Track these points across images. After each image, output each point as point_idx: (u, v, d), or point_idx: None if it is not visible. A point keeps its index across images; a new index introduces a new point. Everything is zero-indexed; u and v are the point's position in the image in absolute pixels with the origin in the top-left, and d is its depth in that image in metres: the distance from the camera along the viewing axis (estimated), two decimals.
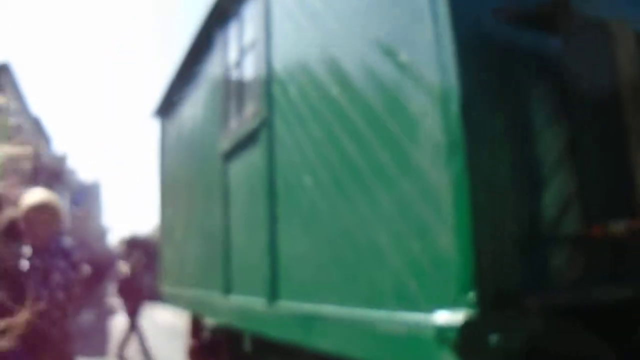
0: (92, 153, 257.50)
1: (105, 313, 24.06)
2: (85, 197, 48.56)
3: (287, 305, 3.67)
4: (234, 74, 5.38)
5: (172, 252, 8.57)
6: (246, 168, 4.82)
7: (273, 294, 3.89)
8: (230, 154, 5.29)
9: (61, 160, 40.81)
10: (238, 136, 4.95)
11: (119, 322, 19.17)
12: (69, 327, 3.88)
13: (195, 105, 7.30)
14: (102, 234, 62.48)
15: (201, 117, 6.97)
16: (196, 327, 8.42)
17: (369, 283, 2.69)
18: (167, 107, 9.16)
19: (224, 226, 5.53)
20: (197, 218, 6.98)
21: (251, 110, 4.66)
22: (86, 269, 5.11)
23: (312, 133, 3.44)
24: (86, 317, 20.84)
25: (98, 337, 16.04)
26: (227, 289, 5.20)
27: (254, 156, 4.54)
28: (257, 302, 4.16)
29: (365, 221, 2.74)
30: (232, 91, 5.40)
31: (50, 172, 38.94)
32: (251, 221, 4.56)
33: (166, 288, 8.93)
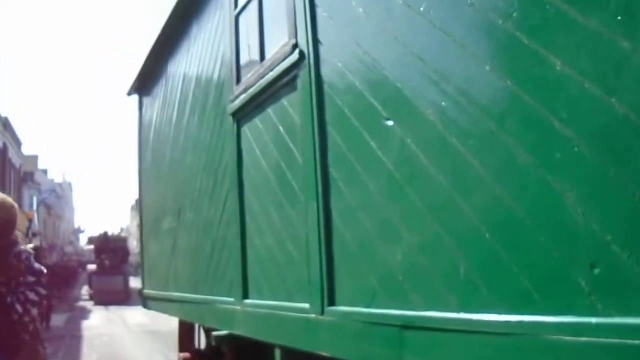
0: (64, 154, 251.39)
1: (78, 315, 23.04)
2: (56, 198, 46.18)
3: (351, 312, 2.75)
4: (247, 14, 4.25)
5: (157, 248, 6.99)
6: (272, 128, 3.71)
7: (325, 299, 2.97)
8: (247, 113, 4.11)
9: (32, 160, 38.74)
10: (261, 85, 3.77)
11: (92, 323, 19.62)
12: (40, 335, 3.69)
13: (188, 66, 5.80)
14: (74, 235, 59.96)
15: (195, 79, 5.52)
16: (188, 337, 6.86)
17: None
18: (148, 80, 7.64)
19: (238, 211, 4.19)
20: (193, 204, 5.51)
21: (283, 50, 3.49)
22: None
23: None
24: (58, 319, 19.72)
25: (72, 340, 15.14)
26: (244, 293, 4.07)
27: (286, 110, 3.48)
28: (296, 309, 3.27)
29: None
30: (247, 32, 4.19)
31: (20, 173, 37.00)
32: (284, 201, 3.53)
33: (149, 292, 7.33)
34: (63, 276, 33.45)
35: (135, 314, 21.15)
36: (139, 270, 33.52)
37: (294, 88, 3.37)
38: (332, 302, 2.93)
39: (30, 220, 34.58)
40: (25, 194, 39.04)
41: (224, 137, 4.57)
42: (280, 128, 3.60)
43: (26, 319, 3.28)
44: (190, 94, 5.65)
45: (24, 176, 38.49)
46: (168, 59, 6.66)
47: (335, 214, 2.92)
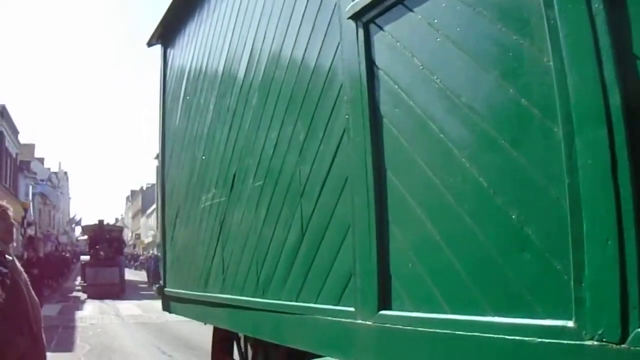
0: (61, 143, 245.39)
1: (72, 306, 21.37)
2: (51, 187, 43.75)
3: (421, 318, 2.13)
4: None
5: (188, 235, 5.04)
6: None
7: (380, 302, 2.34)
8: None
9: (28, 149, 36.48)
10: None
11: (86, 314, 18.33)
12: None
13: None
14: (69, 225, 57.34)
15: None
16: (224, 351, 4.88)
17: None
18: (177, 23, 5.63)
19: (372, 169, 2.51)
20: (265, 164, 3.56)
21: None
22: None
23: None
24: (52, 310, 18.26)
25: (65, 330, 14.03)
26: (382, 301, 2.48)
27: None
28: (341, 314, 2.60)
29: None
30: None
31: (17, 161, 34.87)
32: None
33: (173, 291, 5.35)
34: (57, 266, 31.09)
35: (129, 306, 20.63)
36: (133, 262, 31.18)
37: None
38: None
39: (26, 210, 32.36)
40: (22, 182, 37.02)
41: (335, 55, 2.82)
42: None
43: None
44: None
45: (20, 165, 36.49)
46: None
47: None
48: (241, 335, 4.87)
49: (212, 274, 4.28)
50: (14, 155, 34.78)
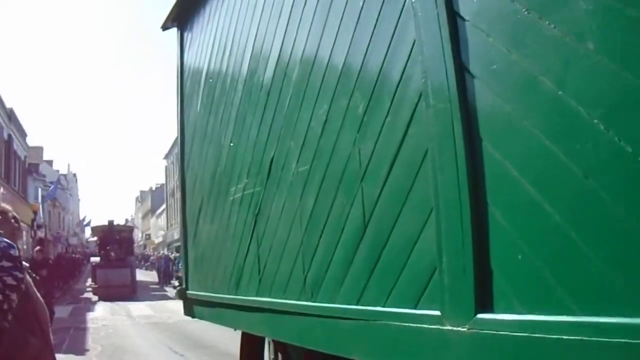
0: (70, 145, 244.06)
1: (83, 307, 21.18)
2: (60, 189, 43.27)
3: None
4: None
5: (214, 231, 4.47)
6: None
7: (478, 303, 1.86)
8: None
9: (37, 151, 36.04)
10: None
11: (97, 315, 18.12)
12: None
13: None
14: (79, 226, 56.85)
15: None
16: (254, 349, 4.38)
17: None
18: (195, 3, 5.03)
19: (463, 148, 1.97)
20: (311, 145, 3.02)
21: None
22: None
23: None
24: (63, 311, 17.84)
25: (76, 331, 13.82)
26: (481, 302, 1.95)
27: None
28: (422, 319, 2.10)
29: None
30: None
31: (26, 164, 34.44)
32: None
33: (197, 294, 4.79)
34: (68, 268, 30.59)
35: (140, 306, 20.50)
36: (143, 262, 30.69)
37: None
38: None
39: (35, 212, 31.88)
40: (30, 185, 36.55)
41: (404, 4, 2.31)
42: None
43: (5, 306, 2.93)
44: None
45: (29, 167, 36.11)
46: None
47: None
48: (269, 339, 4.35)
49: (245, 275, 3.74)
50: (23, 158, 34.28)
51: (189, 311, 4.94)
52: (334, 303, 2.72)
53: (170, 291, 29.80)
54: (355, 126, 2.59)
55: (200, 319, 4.74)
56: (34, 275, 3.57)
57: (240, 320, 3.85)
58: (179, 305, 17.74)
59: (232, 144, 4.00)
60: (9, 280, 2.99)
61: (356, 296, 2.56)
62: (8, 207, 3.47)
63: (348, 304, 2.59)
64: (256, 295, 3.53)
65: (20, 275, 3.06)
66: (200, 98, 4.76)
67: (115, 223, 28.95)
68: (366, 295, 2.50)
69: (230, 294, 3.96)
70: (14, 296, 3.01)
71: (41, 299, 3.40)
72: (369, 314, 2.44)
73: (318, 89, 2.90)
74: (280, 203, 3.27)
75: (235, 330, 4.33)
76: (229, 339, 13.04)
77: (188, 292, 4.91)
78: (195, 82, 4.93)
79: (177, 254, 38.05)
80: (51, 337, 3.43)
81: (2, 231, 3.21)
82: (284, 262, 3.20)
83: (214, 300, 4.27)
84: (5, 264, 3.02)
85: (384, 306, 2.36)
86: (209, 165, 4.50)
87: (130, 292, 24.61)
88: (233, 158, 3.97)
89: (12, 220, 3.39)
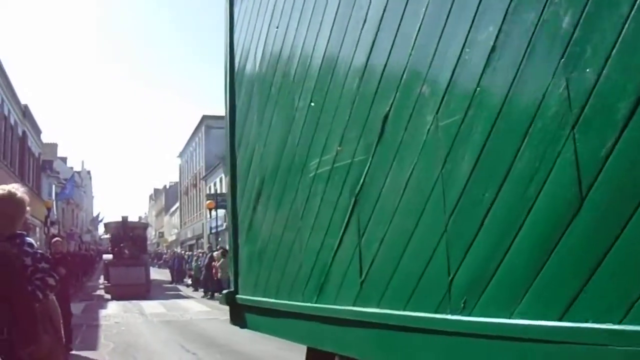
0: (84, 142, 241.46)
1: (95, 304, 20.43)
2: (74, 186, 42.36)
3: None
4: None
5: (272, 227, 3.46)
6: None
7: None
8: None
9: (51, 148, 35.20)
10: None
11: (109, 313, 17.57)
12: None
13: None
14: (92, 223, 55.91)
15: None
16: None
17: None
18: None
19: None
20: (413, 119, 2.10)
21: None
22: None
23: None
24: (75, 308, 16.74)
25: (88, 329, 13.41)
26: None
27: None
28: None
29: None
30: None
31: (40, 161, 33.68)
32: None
33: (253, 299, 3.71)
34: (81, 265, 29.56)
35: (153, 304, 19.90)
36: (156, 260, 29.60)
37: None
38: None
39: (49, 209, 31.00)
40: (44, 182, 35.72)
41: None
42: None
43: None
44: None
45: (43, 164, 35.26)
46: None
47: None
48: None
49: (333, 277, 2.71)
50: (37, 155, 33.49)
51: (237, 320, 3.90)
52: (510, 318, 1.71)
53: (184, 289, 28.98)
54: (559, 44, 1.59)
55: (255, 330, 3.70)
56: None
57: (324, 337, 2.79)
58: (191, 303, 16.53)
59: (312, 104, 2.97)
60: (51, 281, 3.06)
61: (559, 309, 1.56)
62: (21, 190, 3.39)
63: (551, 320, 1.58)
64: (354, 305, 2.51)
65: (57, 277, 3.13)
66: (259, 51, 3.72)
67: (126, 218, 27.61)
68: (576, 308, 1.50)
69: (306, 301, 2.93)
70: (52, 296, 3.13)
71: (54, 297, 3.34)
72: (594, 334, 1.43)
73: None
74: (401, 175, 2.23)
75: (308, 348, 3.32)
76: (242, 338, 11.34)
77: (238, 296, 3.87)
78: (252, 31, 3.89)
79: (190, 252, 37.14)
80: (63, 336, 3.45)
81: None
82: (409, 259, 2.17)
83: (278, 308, 3.24)
84: (45, 265, 3.09)
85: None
86: (273, 135, 3.46)
87: (144, 291, 23.19)
88: (314, 122, 2.93)
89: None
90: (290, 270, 3.15)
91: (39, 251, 3.15)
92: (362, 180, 2.53)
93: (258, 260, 3.57)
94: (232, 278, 3.97)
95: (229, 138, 4.11)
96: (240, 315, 3.84)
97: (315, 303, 2.86)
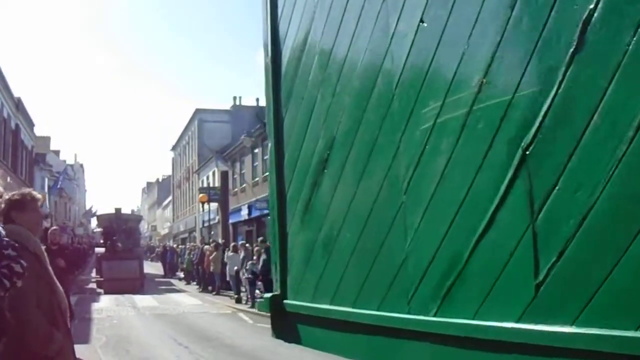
0: (77, 135, 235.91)
1: (88, 298, 19.53)
2: (67, 180, 40.89)
3: None
4: None
5: (347, 205, 2.36)
6: None
7: None
8: None
9: (44, 141, 33.83)
10: None
11: (102, 306, 16.92)
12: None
13: None
14: (85, 217, 54.29)
15: None
16: None
17: None
18: None
19: None
20: None
21: None
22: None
23: None
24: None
25: (81, 322, 12.46)
26: None
27: None
28: None
29: None
30: None
31: (32, 154, 32.34)
32: None
33: (307, 307, 2.63)
34: (74, 258, 28.20)
35: (145, 297, 19.36)
36: (149, 253, 28.45)
37: None
38: None
39: (42, 202, 29.54)
40: (37, 175, 34.28)
41: None
42: None
43: (8, 293, 2.77)
44: None
45: (36, 157, 33.89)
46: None
47: None
48: None
49: (471, 277, 1.68)
50: (30, 148, 32.13)
51: (284, 332, 2.82)
52: None
53: (176, 283, 27.84)
54: None
55: (315, 348, 2.61)
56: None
57: None
58: (184, 297, 14.68)
59: (424, 23, 1.92)
60: (17, 268, 2.85)
61: None
62: (39, 195, 3.34)
63: None
64: (521, 321, 1.48)
65: (25, 264, 2.90)
66: None
67: (120, 210, 26.14)
68: None
69: (416, 313, 1.89)
70: (19, 283, 2.88)
71: (62, 290, 3.22)
72: None
73: None
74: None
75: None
76: (234, 332, 11.63)
77: (288, 302, 2.78)
78: None
79: (183, 246, 35.94)
80: (70, 330, 3.31)
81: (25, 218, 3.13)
82: None
83: (359, 320, 2.20)
84: (11, 252, 2.88)
85: None
86: (349, 78, 2.40)
87: (138, 285, 21.72)
88: (431, 45, 1.89)
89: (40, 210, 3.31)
90: (384, 268, 2.10)
91: (5, 238, 2.87)
92: (537, 124, 1.49)
93: (323, 254, 2.49)
94: (276, 277, 2.88)
95: (271, 91, 2.99)
96: (288, 327, 2.76)
97: (436, 316, 1.81)
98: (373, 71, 2.24)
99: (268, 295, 2.89)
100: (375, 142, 2.19)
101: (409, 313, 1.98)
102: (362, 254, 2.25)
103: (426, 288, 1.92)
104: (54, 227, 11.66)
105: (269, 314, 2.92)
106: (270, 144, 2.99)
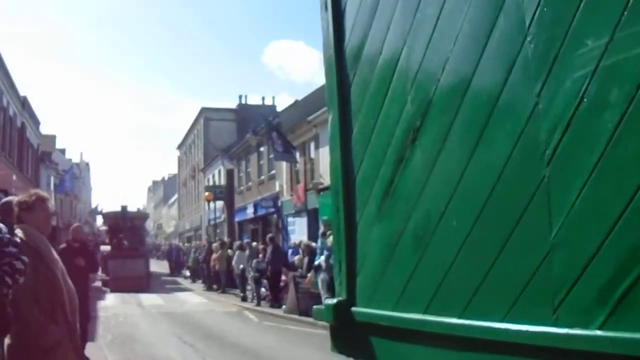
0: (82, 134, 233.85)
1: (94, 296, 18.49)
2: (72, 178, 40.27)
3: None
4: None
5: (439, 191, 1.79)
6: None
7: None
8: None
9: (50, 140, 33.29)
10: None
11: (108, 304, 16.86)
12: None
13: None
14: (91, 215, 53.70)
15: None
16: None
17: None
18: None
19: None
20: None
21: None
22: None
23: None
24: None
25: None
26: None
27: None
28: None
29: None
30: None
31: (38, 152, 31.82)
32: None
33: (382, 316, 2.02)
34: (96, 257, 27.50)
35: (151, 296, 19.19)
36: (154, 251, 28.06)
37: None
38: None
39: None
40: (43, 173, 33.79)
41: None
42: None
43: (11, 290, 2.80)
44: None
45: (41, 156, 33.40)
46: None
47: None
48: None
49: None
50: (36, 146, 31.65)
51: (352, 346, 2.24)
52: None
53: (182, 281, 27.36)
54: None
55: None
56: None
57: None
58: (189, 295, 14.20)
59: None
60: (19, 265, 2.87)
61: None
62: (47, 195, 3.44)
63: None
64: None
65: (26, 260, 2.92)
66: None
67: (126, 208, 25.43)
68: None
69: (568, 326, 1.32)
70: (21, 280, 2.89)
71: (73, 289, 3.23)
72: None
73: None
74: None
75: None
76: (239, 330, 11.54)
77: (357, 310, 2.19)
78: None
79: (189, 244, 35.39)
80: (78, 329, 3.31)
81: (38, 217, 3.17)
82: None
83: (477, 336, 1.62)
84: (12, 249, 2.89)
85: None
86: (457, 9, 1.83)
87: (144, 284, 21.11)
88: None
89: (50, 210, 3.32)
90: (513, 265, 1.51)
91: (6, 235, 2.88)
92: None
93: (414, 249, 1.88)
94: (340, 279, 2.28)
95: (333, 48, 2.38)
96: (357, 340, 2.17)
97: (602, 330, 1.24)
98: (489, 16, 1.66)
99: (330, 301, 2.29)
100: (498, 99, 1.60)
101: (555, 325, 1.41)
102: (477, 248, 1.66)
103: (586, 291, 1.34)
104: (76, 224, 11.14)
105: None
106: (330, 116, 2.39)
